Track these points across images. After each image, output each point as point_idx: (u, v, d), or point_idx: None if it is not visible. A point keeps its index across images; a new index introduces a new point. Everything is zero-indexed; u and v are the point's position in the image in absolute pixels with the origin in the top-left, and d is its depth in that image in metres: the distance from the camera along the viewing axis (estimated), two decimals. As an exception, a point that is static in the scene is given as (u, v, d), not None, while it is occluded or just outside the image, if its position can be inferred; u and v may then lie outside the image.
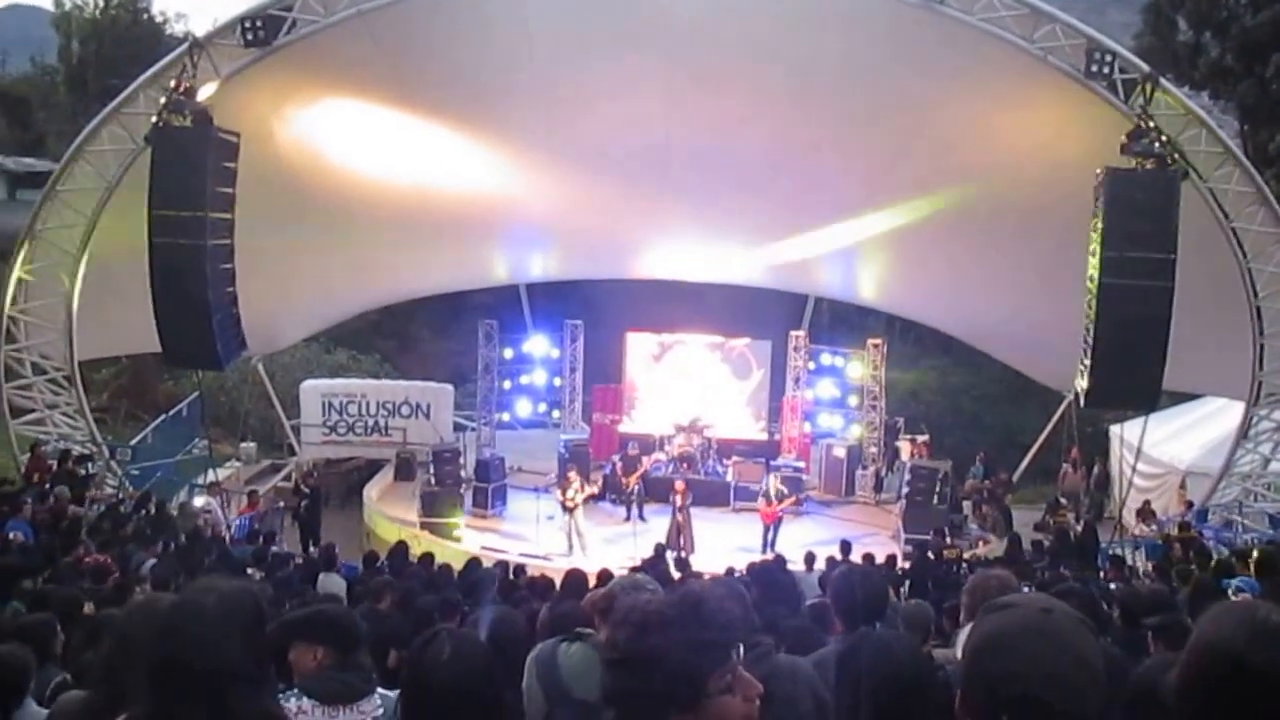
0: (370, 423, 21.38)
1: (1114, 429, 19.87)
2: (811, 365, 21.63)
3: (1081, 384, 13.04)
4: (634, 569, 7.75)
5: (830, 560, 12.07)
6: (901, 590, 10.49)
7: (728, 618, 1.91)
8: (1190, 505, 16.35)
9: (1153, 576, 11.43)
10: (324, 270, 18.28)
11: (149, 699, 2.14)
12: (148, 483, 16.89)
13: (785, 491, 16.98)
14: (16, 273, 15.65)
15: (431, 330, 30.48)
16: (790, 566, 11.68)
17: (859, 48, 13.05)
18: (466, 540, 16.59)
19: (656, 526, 16.60)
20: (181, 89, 12.99)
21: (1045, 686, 1.66)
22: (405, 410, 21.46)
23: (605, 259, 20.84)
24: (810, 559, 12.21)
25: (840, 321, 26.82)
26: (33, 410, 16.48)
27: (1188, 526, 14.59)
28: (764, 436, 21.31)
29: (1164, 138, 12.34)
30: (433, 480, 17.85)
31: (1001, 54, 12.47)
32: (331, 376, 24.51)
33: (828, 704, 3.05)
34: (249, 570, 10.82)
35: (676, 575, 10.55)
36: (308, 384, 22.25)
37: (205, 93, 13.24)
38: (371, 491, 19.37)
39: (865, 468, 20.48)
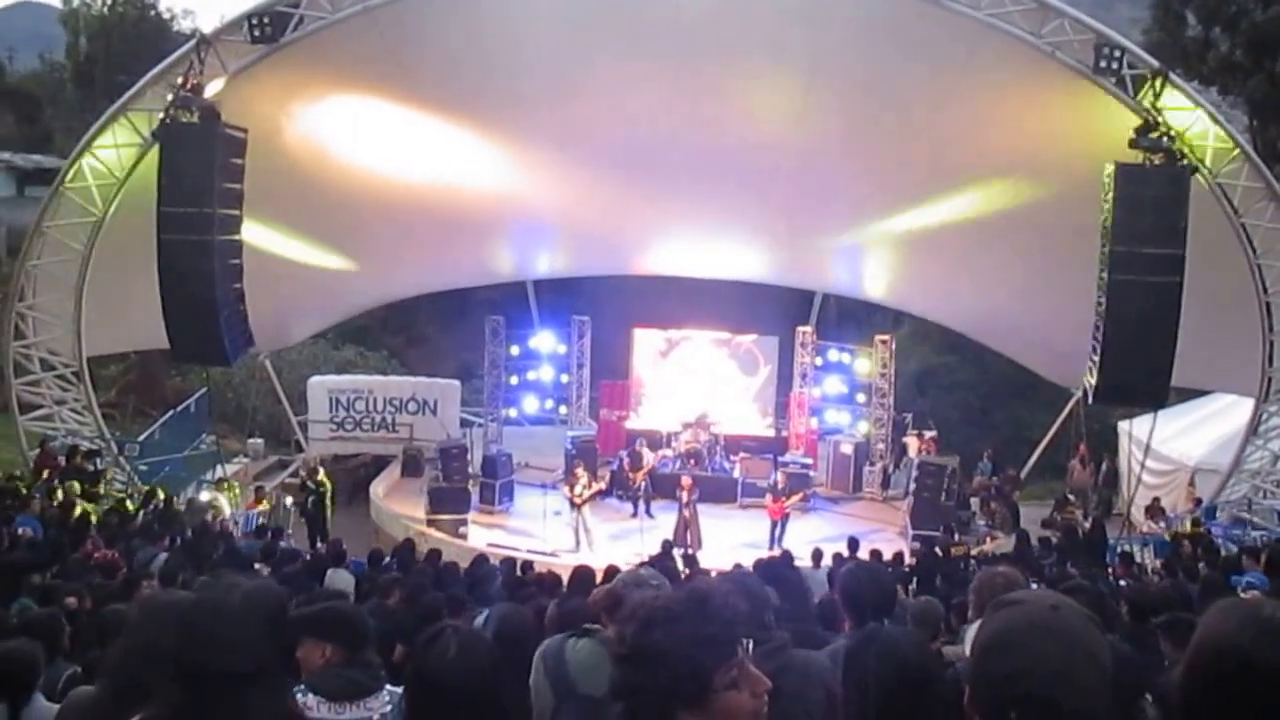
0: (377, 419, 21.41)
1: (1123, 425, 19.83)
2: (819, 361, 21.61)
3: (1090, 380, 13.01)
4: (639, 565, 7.73)
5: (837, 557, 12.05)
6: (909, 587, 10.47)
7: (733, 614, 1.92)
8: (1198, 502, 16.30)
9: (1161, 574, 11.40)
10: (331, 267, 18.29)
11: (171, 696, 2.14)
12: (155, 478, 16.93)
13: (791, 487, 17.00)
14: (25, 269, 15.71)
15: (438, 326, 30.51)
16: (797, 563, 11.69)
17: (865, 44, 13.01)
18: (473, 536, 16.60)
19: (664, 523, 16.59)
20: (189, 85, 13.03)
21: (1052, 684, 1.65)
22: (412, 406, 21.49)
23: (612, 255, 20.82)
24: (817, 555, 12.20)
25: (848, 317, 26.79)
26: (41, 406, 16.54)
27: (1199, 523, 14.55)
28: (771, 433, 21.30)
29: (1173, 133, 12.30)
30: (440, 476, 17.87)
31: (1009, 49, 12.42)
32: (339, 373, 24.55)
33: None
34: (256, 565, 10.84)
35: (685, 572, 10.55)
36: (315, 380, 22.28)
37: (213, 89, 13.27)
38: (378, 488, 19.40)
39: (872, 464, 20.45)
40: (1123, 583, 10.33)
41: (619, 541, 16.10)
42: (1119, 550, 13.86)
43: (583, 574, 7.04)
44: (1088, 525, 16.01)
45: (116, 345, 19.04)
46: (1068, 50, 12.43)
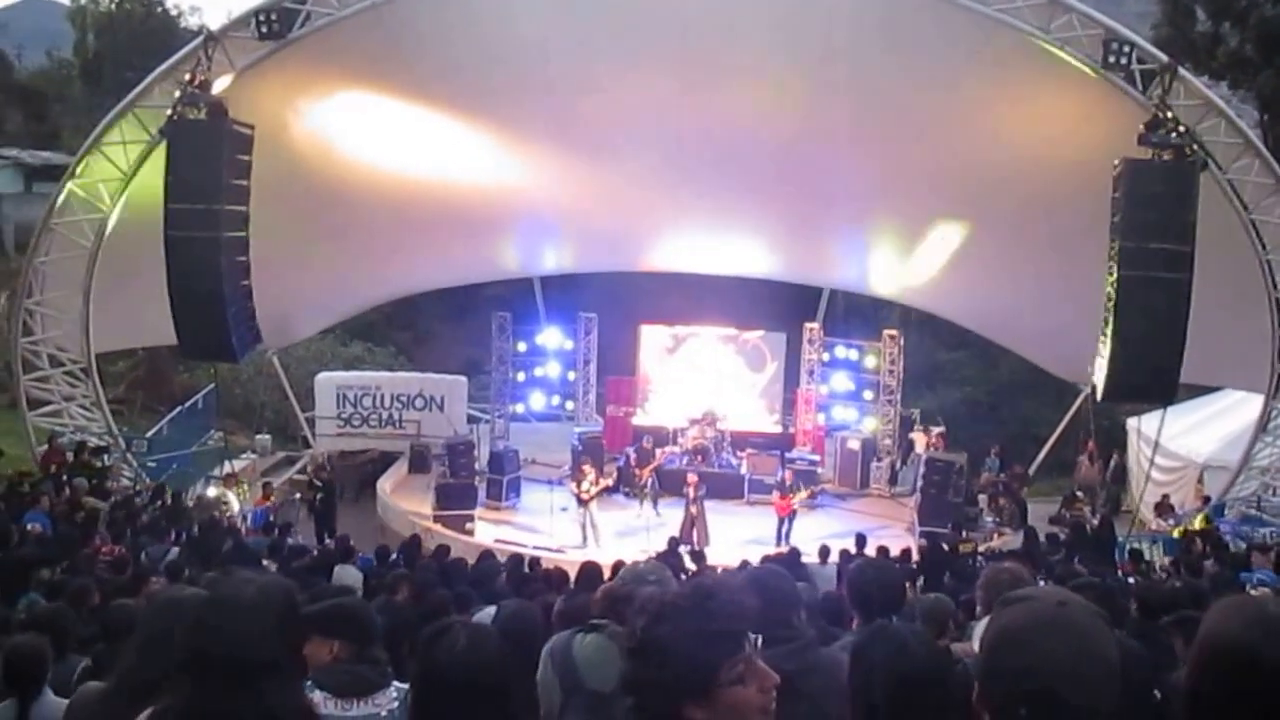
0: (384, 415, 21.42)
1: (1131, 422, 19.76)
2: (826, 357, 21.58)
3: (1099, 376, 12.96)
4: (641, 561, 7.75)
5: (844, 553, 12.05)
6: (917, 583, 10.45)
7: (740, 609, 1.93)
8: (1207, 499, 16.25)
9: (1170, 571, 11.37)
10: (338, 263, 18.31)
11: (183, 691, 2.14)
12: (163, 474, 16.98)
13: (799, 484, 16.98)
14: (33, 265, 15.75)
15: (445, 323, 30.49)
16: (804, 559, 11.69)
17: (872, 38, 12.98)
18: (480, 532, 16.62)
19: (670, 519, 16.59)
20: (196, 82, 13.05)
21: (1060, 680, 1.66)
22: (419, 403, 21.51)
23: (619, 251, 20.81)
24: (824, 552, 12.20)
25: (855, 313, 26.72)
26: (50, 402, 16.60)
27: (1209, 520, 14.51)
28: (778, 429, 21.28)
29: (1182, 128, 12.24)
30: (447, 473, 17.88)
31: (1018, 45, 12.39)
32: (346, 369, 24.56)
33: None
34: (264, 562, 10.88)
35: (692, 568, 10.56)
36: (322, 376, 22.31)
37: (220, 86, 13.29)
38: (385, 484, 19.42)
39: (880, 460, 20.42)
40: (1131, 580, 10.30)
41: (626, 538, 16.11)
42: (1128, 547, 13.82)
43: (590, 570, 7.06)
44: (1096, 522, 15.97)
45: (124, 342, 19.09)
46: (1076, 45, 12.40)
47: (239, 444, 21.44)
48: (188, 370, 24.17)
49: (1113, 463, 20.29)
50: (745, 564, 10.78)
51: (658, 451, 18.83)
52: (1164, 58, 12.62)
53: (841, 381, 21.66)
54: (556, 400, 23.02)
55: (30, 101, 37.39)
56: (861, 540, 12.92)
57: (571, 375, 22.92)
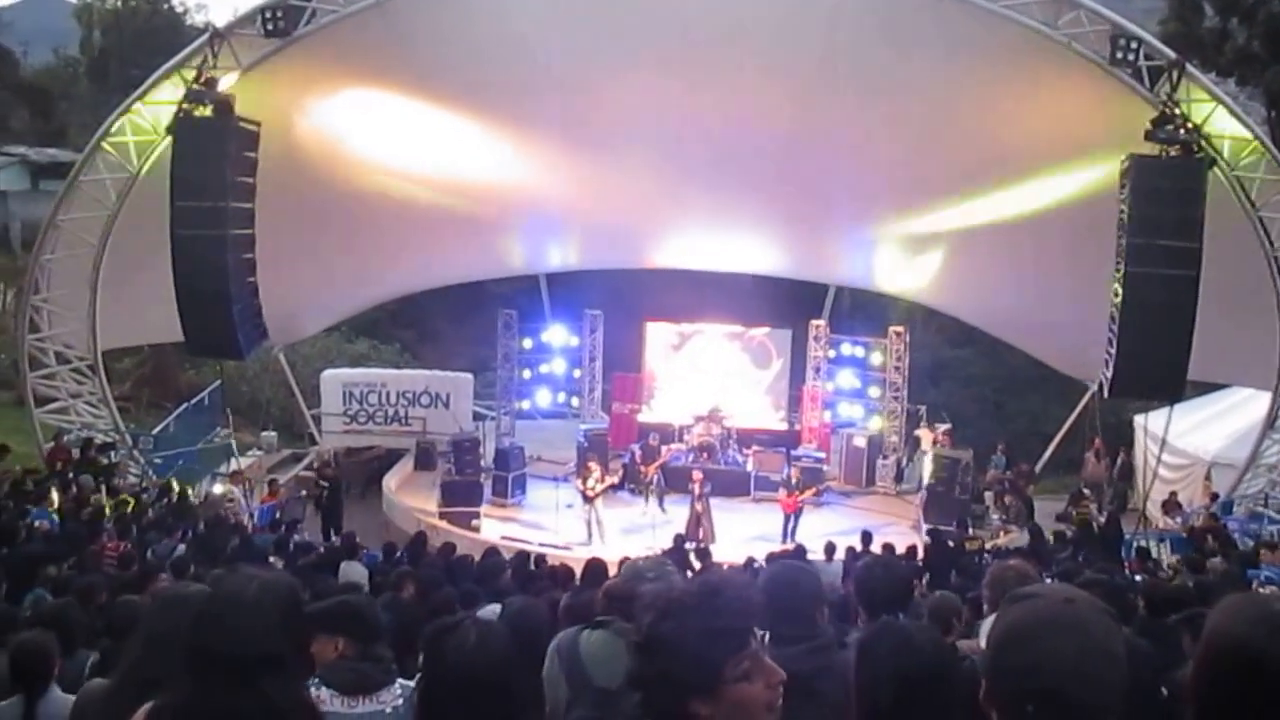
0: (390, 412, 21.46)
1: (1138, 419, 19.73)
2: (831, 354, 21.57)
3: (1106, 373, 12.93)
4: (643, 557, 7.74)
5: (850, 551, 12.05)
6: (923, 580, 10.43)
7: (746, 605, 1.93)
8: (1215, 497, 16.22)
9: (1178, 569, 11.34)
10: (344, 260, 18.32)
11: (185, 685, 2.14)
12: (170, 471, 17.01)
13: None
14: (39, 262, 15.79)
15: (451, 320, 30.49)
16: (810, 556, 11.69)
17: (878, 34, 12.94)
18: (486, 529, 16.63)
19: (676, 516, 16.59)
20: (202, 79, 13.07)
21: (1067, 678, 1.66)
22: (425, 400, 21.54)
23: (624, 248, 20.81)
24: (830, 549, 12.19)
25: (860, 310, 26.69)
26: (56, 399, 16.64)
27: (1215, 518, 14.47)
28: (784, 426, 21.27)
29: (1189, 125, 12.20)
30: (452, 470, 17.90)
31: (1025, 41, 12.35)
32: (352, 366, 24.61)
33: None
34: (270, 559, 10.89)
35: (697, 566, 10.55)
36: (328, 373, 22.36)
37: (226, 83, 13.30)
38: (391, 481, 19.44)
39: (885, 457, 20.40)
40: (1138, 578, 10.28)
41: (631, 535, 16.11)
42: (1135, 545, 13.79)
43: (596, 566, 7.06)
44: (1103, 520, 15.94)
45: (130, 339, 19.13)
46: (1084, 41, 12.35)
47: (245, 441, 21.47)
48: (194, 367, 24.21)
49: (1119, 460, 20.25)
50: (751, 561, 10.81)
51: (663, 449, 18.82)
52: (1171, 54, 12.56)
53: (847, 378, 21.65)
54: (562, 397, 23.03)
55: (36, 99, 37.47)
56: (867, 537, 12.91)
57: (577, 372, 22.92)
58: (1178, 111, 12.15)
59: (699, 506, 16.16)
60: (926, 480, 17.86)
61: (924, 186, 15.86)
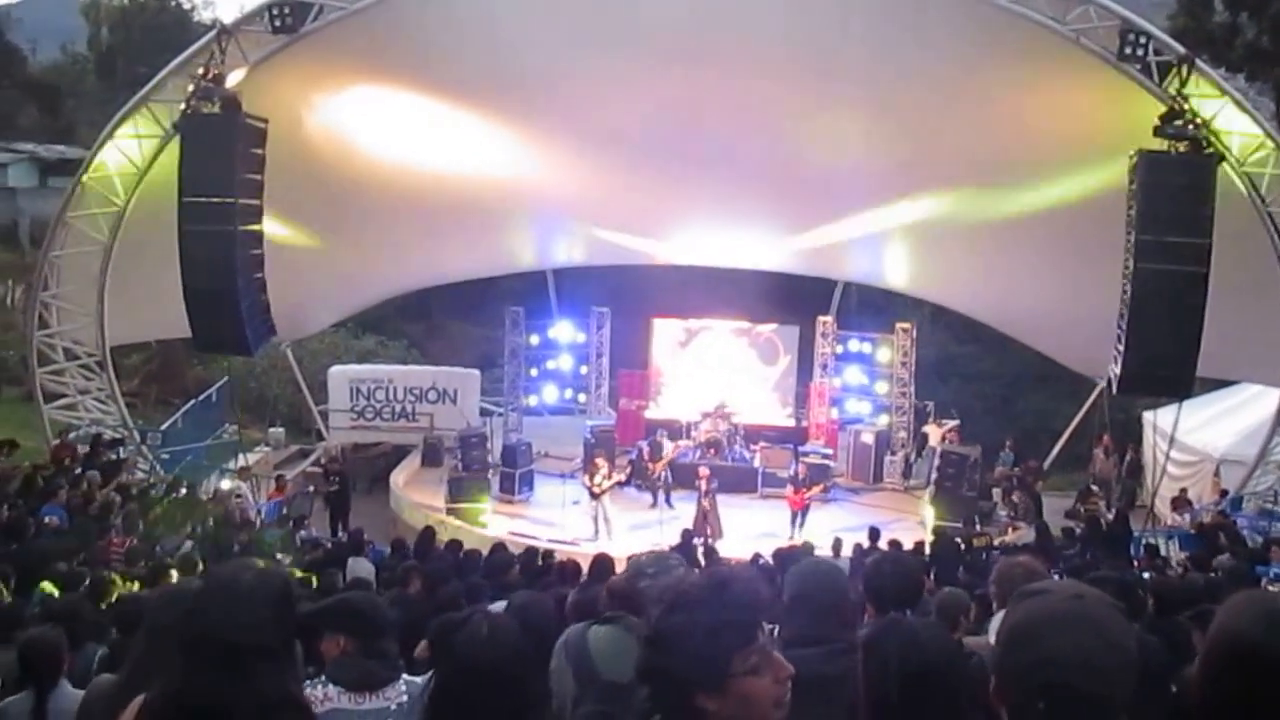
0: (397, 408, 21.47)
1: (1147, 416, 19.63)
2: (839, 350, 21.55)
3: (1114, 370, 12.88)
4: (645, 553, 7.75)
5: (858, 547, 12.04)
6: (931, 575, 10.42)
7: (754, 600, 1.93)
8: (1224, 494, 16.16)
9: (1186, 567, 11.30)
10: (352, 256, 18.35)
11: (177, 673, 2.14)
12: (177, 467, 17.06)
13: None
14: (48, 259, 15.83)
15: (458, 316, 30.54)
16: (818, 553, 11.67)
17: (885, 30, 12.90)
18: (493, 525, 16.65)
19: (683, 512, 16.60)
20: (210, 76, 13.07)
21: (1077, 673, 1.66)
22: (432, 396, 21.55)
23: (631, 245, 20.81)
24: (838, 545, 12.18)
25: (867, 306, 26.64)
26: (65, 395, 16.69)
27: (1224, 515, 14.42)
28: (791, 422, 21.27)
29: (1199, 121, 12.13)
30: (460, 466, 17.92)
31: (1032, 37, 12.30)
32: (359, 362, 24.65)
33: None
34: (278, 555, 10.92)
35: (704, 563, 10.55)
36: (336, 369, 22.39)
37: (234, 79, 13.30)
38: (398, 477, 19.47)
39: (893, 454, 20.38)
40: (1147, 575, 10.25)
41: (639, 531, 16.12)
42: (1143, 542, 13.76)
43: (603, 562, 7.07)
44: (1111, 516, 15.91)
45: (139, 335, 19.18)
46: (1092, 37, 12.29)
47: (253, 437, 21.54)
48: (202, 363, 24.26)
49: (1128, 457, 20.20)
50: (757, 557, 10.79)
51: (670, 445, 18.82)
52: (1181, 49, 12.50)
53: (854, 375, 21.64)
54: (569, 394, 23.05)
55: (44, 96, 37.60)
56: (875, 534, 12.90)
57: (584, 369, 22.93)
58: (1187, 107, 12.08)
59: (706, 503, 16.16)
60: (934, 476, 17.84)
61: (932, 182, 15.81)
